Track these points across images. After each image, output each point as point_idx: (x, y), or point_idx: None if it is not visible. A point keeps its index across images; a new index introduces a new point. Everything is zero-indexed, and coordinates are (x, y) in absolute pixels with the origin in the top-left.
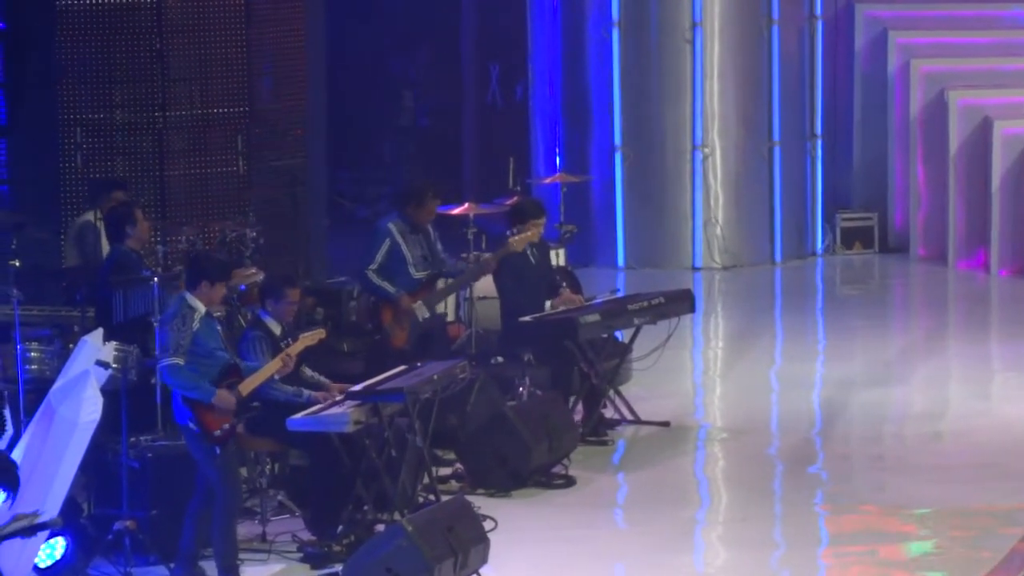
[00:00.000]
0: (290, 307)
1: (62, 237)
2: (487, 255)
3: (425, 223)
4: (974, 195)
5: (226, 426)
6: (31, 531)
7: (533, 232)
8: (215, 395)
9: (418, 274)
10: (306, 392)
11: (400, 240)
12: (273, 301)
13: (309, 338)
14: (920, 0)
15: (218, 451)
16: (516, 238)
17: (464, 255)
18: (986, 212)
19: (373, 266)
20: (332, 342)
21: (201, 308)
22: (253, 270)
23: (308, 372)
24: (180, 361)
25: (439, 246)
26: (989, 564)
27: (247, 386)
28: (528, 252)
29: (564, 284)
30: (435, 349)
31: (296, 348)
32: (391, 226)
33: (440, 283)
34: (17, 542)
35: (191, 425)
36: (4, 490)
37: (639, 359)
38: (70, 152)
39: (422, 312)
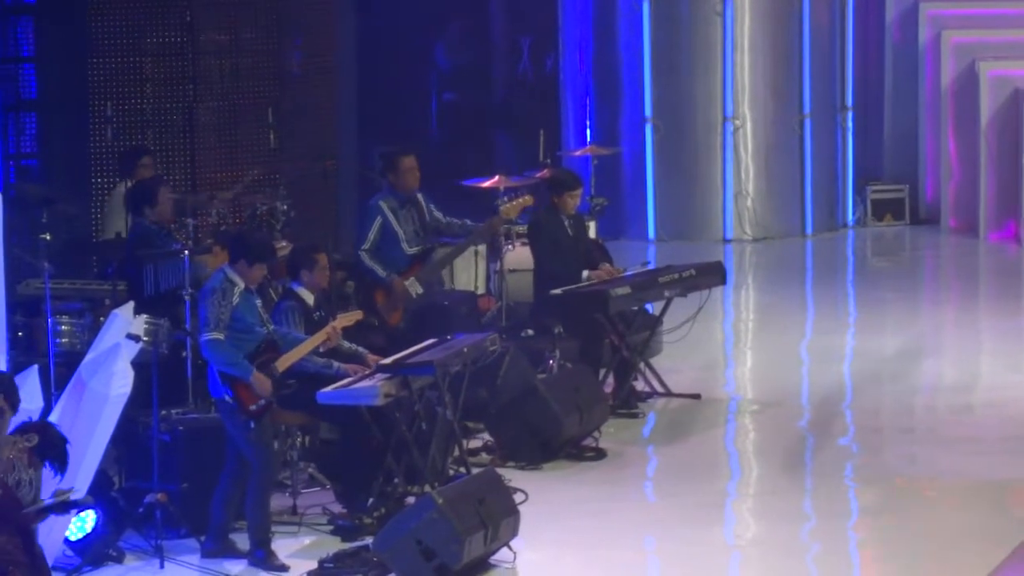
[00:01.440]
0: (323, 273)
1: (93, 211)
2: (474, 224)
3: (411, 190)
4: (1005, 166)
5: (262, 401)
6: (64, 508)
7: (570, 202)
8: (252, 376)
9: (411, 250)
10: (336, 364)
11: (391, 217)
12: (307, 271)
13: (347, 319)
14: None
15: (253, 425)
16: (507, 205)
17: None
18: (1017, 184)
19: (366, 246)
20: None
21: (241, 283)
22: (284, 243)
23: (345, 344)
24: (220, 336)
25: (438, 214)
26: (1021, 536)
27: (285, 361)
28: (565, 223)
29: (606, 262)
30: (434, 323)
31: (338, 325)
32: (382, 203)
33: (437, 253)
34: (49, 517)
35: (227, 399)
36: (52, 468)
37: (670, 331)
38: (100, 126)
39: (415, 288)
